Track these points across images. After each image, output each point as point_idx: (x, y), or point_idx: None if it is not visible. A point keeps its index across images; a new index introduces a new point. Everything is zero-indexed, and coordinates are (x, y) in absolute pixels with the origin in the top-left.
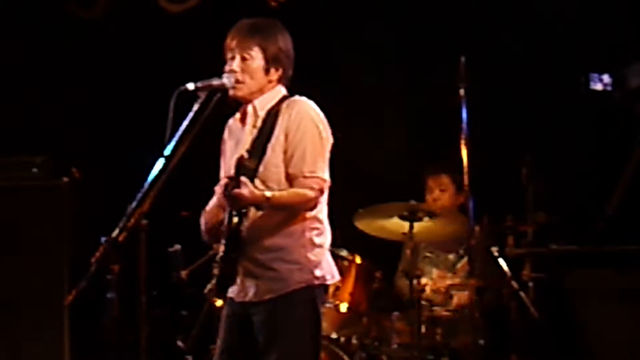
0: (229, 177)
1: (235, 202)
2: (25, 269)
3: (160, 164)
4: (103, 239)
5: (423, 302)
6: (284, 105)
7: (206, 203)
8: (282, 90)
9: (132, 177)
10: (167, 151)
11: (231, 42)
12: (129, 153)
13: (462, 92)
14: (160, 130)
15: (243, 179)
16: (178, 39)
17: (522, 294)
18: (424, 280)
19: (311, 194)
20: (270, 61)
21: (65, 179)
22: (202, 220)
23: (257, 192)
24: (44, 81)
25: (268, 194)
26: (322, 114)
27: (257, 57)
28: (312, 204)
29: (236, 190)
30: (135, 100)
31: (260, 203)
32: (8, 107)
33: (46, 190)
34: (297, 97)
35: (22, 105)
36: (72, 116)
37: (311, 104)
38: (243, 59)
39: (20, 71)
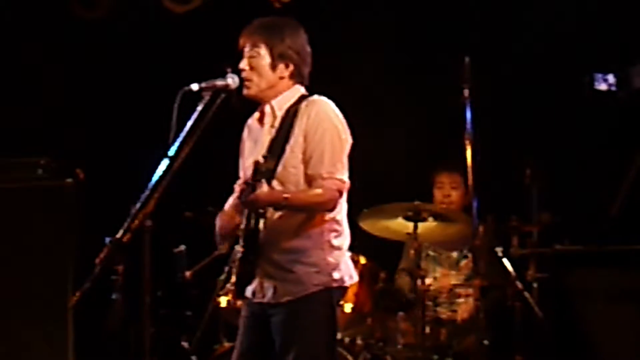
0: (246, 183)
1: (252, 205)
2: (29, 270)
3: (164, 164)
4: (107, 239)
5: (427, 303)
6: (303, 105)
7: (210, 204)
8: (300, 90)
9: (136, 178)
10: (171, 152)
11: (241, 42)
12: (133, 154)
13: (466, 92)
14: (165, 130)
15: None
16: (182, 40)
17: (526, 294)
18: (428, 281)
19: (329, 195)
20: (276, 57)
21: (70, 180)
22: (218, 221)
23: (274, 192)
24: (47, 81)
25: (286, 194)
26: (341, 115)
27: (263, 55)
28: (331, 206)
29: (251, 196)
30: (139, 100)
31: (278, 203)
32: (10, 107)
33: (50, 192)
34: (316, 97)
35: (25, 105)
36: (76, 116)
37: (331, 104)
38: (250, 57)
39: (23, 71)
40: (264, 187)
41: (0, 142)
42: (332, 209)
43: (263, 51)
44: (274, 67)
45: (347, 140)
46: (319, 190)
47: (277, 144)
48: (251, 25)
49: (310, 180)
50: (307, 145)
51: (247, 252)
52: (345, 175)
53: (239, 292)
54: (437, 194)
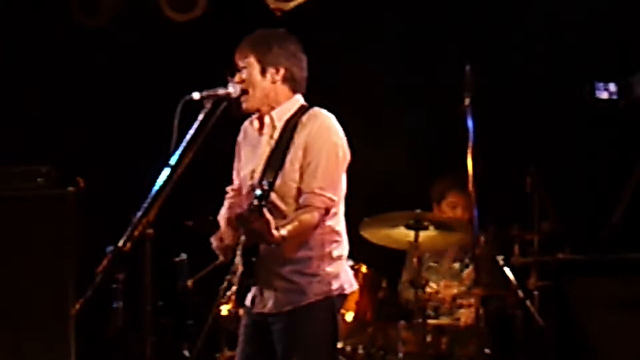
0: (250, 208)
1: (254, 238)
2: (30, 279)
3: (165, 173)
4: (109, 248)
5: (429, 311)
6: (304, 117)
7: (210, 213)
8: (299, 100)
9: (137, 187)
10: (173, 160)
11: (235, 60)
12: (135, 162)
13: (467, 101)
14: (166, 139)
15: (271, 221)
16: (183, 48)
17: (527, 302)
18: (429, 290)
19: (316, 216)
20: (264, 63)
21: (71, 189)
22: (213, 242)
23: (276, 234)
24: (48, 90)
25: (284, 232)
26: (342, 131)
27: (253, 64)
28: (317, 225)
29: (253, 226)
30: (141, 109)
31: (278, 243)
32: (11, 115)
33: (52, 200)
34: (316, 110)
35: (26, 114)
36: (77, 125)
37: (332, 119)
38: (242, 70)
39: (24, 79)
40: (267, 215)
41: (0, 149)
42: (332, 217)
43: (252, 61)
44: (263, 72)
45: (345, 157)
46: (307, 216)
47: (277, 156)
48: (241, 42)
49: (300, 194)
50: (304, 159)
51: (247, 262)
52: (335, 193)
53: (239, 301)
54: (448, 212)
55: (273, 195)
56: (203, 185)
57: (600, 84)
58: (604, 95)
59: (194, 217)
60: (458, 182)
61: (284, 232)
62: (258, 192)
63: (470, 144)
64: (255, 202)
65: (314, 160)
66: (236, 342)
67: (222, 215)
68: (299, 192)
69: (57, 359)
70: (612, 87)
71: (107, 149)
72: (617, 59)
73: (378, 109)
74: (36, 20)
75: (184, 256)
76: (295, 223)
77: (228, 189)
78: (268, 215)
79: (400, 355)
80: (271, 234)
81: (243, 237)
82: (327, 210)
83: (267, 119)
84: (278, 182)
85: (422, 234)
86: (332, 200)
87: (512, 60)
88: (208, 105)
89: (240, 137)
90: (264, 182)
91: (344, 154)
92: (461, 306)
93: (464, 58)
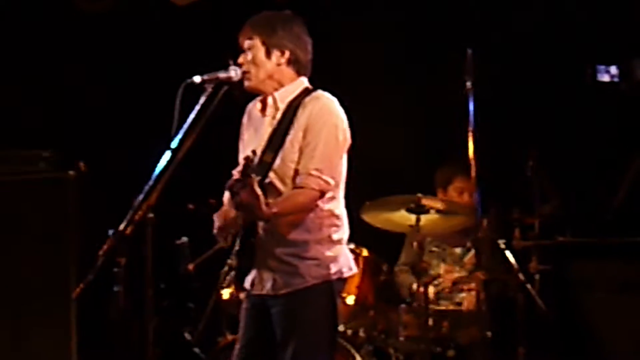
0: (237, 180)
1: (244, 211)
2: (31, 262)
3: (167, 156)
4: (110, 232)
5: (430, 295)
6: (307, 99)
7: (212, 197)
8: (303, 82)
9: (139, 170)
10: (174, 144)
11: (240, 41)
12: (136, 146)
13: (468, 84)
14: (167, 123)
15: (260, 195)
16: (185, 32)
17: (528, 286)
18: (431, 274)
19: (310, 197)
20: (269, 45)
21: (72, 172)
22: (215, 222)
23: (265, 209)
24: (49, 75)
25: (275, 209)
26: (343, 114)
27: (257, 45)
28: (311, 207)
29: (237, 199)
30: (142, 93)
31: (269, 219)
32: (12, 100)
33: (53, 184)
34: (319, 93)
35: (28, 98)
36: (79, 109)
37: (334, 101)
38: (246, 50)
39: (25, 65)
40: (255, 182)
41: (1, 136)
42: (329, 201)
43: (257, 42)
44: (268, 54)
45: (345, 141)
46: (301, 196)
47: (277, 137)
48: (246, 23)
49: (296, 175)
50: (304, 139)
51: (245, 243)
52: (333, 176)
53: (238, 284)
54: (455, 197)
55: (272, 175)
56: (205, 169)
57: (602, 67)
58: (606, 78)
59: (195, 201)
60: (465, 168)
61: (274, 209)
62: (245, 164)
63: (471, 127)
64: (243, 173)
65: (313, 141)
66: (237, 326)
67: (227, 196)
68: (297, 172)
69: (58, 341)
70: (614, 69)
71: (108, 133)
72: (619, 42)
73: (379, 93)
74: (38, 6)
75: (185, 239)
76: (288, 202)
77: (234, 171)
78: (257, 189)
79: (401, 338)
80: (260, 209)
81: (241, 220)
82: (322, 193)
83: (270, 100)
84: (277, 162)
85: (424, 218)
86: (328, 184)
87: (514, 44)
88: (209, 88)
89: (244, 120)
90: (249, 154)
91: (345, 137)
92: (462, 290)
93: (466, 42)
